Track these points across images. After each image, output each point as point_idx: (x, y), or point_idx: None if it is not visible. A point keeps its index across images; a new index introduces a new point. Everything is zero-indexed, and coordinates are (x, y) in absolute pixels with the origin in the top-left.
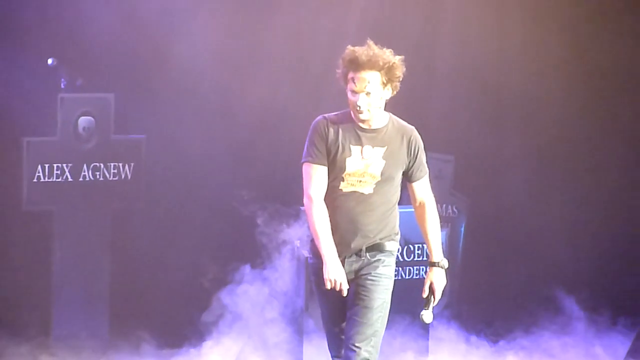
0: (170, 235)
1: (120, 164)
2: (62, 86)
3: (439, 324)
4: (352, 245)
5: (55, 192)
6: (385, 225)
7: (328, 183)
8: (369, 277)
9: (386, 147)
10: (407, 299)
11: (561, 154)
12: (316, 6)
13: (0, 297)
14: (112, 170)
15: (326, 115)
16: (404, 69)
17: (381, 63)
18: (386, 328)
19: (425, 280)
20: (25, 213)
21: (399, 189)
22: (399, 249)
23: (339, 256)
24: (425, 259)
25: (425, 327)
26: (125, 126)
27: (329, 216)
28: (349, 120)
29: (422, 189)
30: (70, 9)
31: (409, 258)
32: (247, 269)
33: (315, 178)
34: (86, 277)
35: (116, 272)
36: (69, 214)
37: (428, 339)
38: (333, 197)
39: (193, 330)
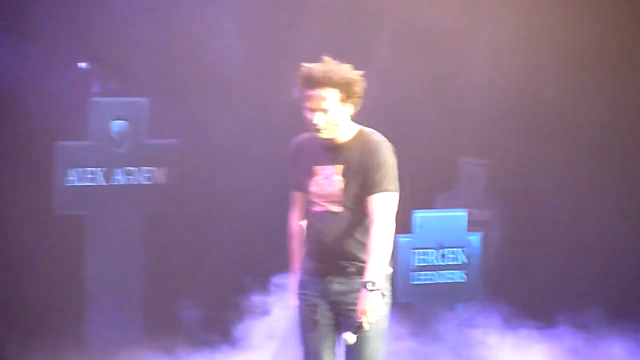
0: (203, 240)
1: (154, 168)
2: (95, 90)
3: (474, 327)
4: (334, 266)
5: (88, 196)
6: (361, 242)
7: (307, 204)
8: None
9: (344, 164)
10: (441, 302)
11: (595, 158)
12: (348, 10)
13: (34, 302)
14: (145, 175)
15: (299, 136)
16: (365, 84)
17: (336, 79)
18: (418, 334)
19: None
20: (58, 217)
21: None
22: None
23: (325, 275)
24: (459, 262)
25: (461, 332)
26: (159, 130)
27: (311, 237)
28: (317, 139)
29: (373, 206)
30: (104, 13)
31: (442, 262)
32: (282, 276)
33: (294, 203)
34: (119, 282)
35: (149, 276)
36: (101, 218)
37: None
38: (310, 218)
39: (227, 337)
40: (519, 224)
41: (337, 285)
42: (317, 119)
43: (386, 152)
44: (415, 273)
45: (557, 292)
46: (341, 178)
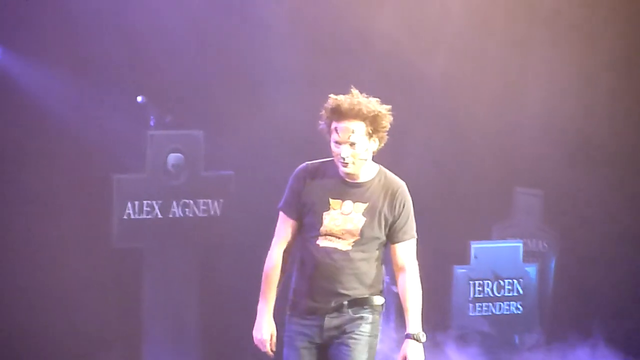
0: (260, 273)
1: (210, 201)
2: (152, 123)
3: (533, 358)
4: (333, 304)
5: (145, 229)
6: (365, 283)
7: (306, 236)
8: (352, 336)
9: (368, 203)
10: (497, 334)
11: None
12: (403, 36)
13: (91, 334)
14: (201, 207)
15: (310, 163)
16: (391, 119)
17: (365, 112)
18: None
19: (400, 352)
20: (115, 250)
21: (383, 246)
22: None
23: (316, 314)
24: (515, 294)
25: None
26: (215, 162)
27: (307, 271)
28: (334, 170)
29: (405, 254)
30: (159, 47)
31: (499, 293)
32: None
33: (279, 227)
34: (176, 315)
35: (206, 309)
36: (158, 250)
37: None
38: (311, 251)
39: None
40: (574, 255)
41: (329, 320)
42: (345, 152)
43: (409, 197)
44: (472, 304)
45: (614, 322)
46: (361, 217)
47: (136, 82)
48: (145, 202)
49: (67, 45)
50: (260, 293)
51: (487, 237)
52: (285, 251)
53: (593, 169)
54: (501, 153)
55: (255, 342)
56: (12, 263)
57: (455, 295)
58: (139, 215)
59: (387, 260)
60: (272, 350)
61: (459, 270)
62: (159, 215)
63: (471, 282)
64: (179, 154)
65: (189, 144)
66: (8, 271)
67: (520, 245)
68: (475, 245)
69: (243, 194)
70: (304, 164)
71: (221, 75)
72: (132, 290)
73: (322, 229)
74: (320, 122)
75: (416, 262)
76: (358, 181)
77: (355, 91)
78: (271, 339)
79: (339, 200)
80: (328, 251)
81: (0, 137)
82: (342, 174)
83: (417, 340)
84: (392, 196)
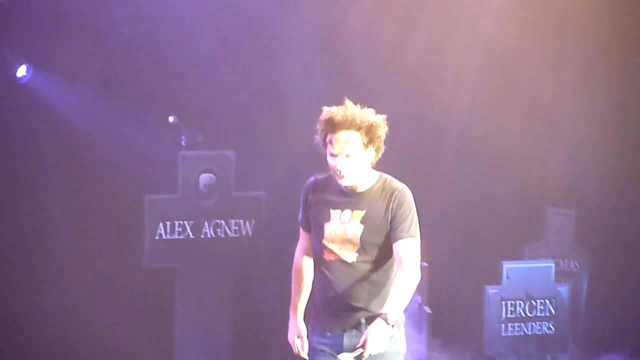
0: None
1: (241, 221)
2: (183, 144)
3: None
4: (349, 319)
5: (177, 249)
6: (379, 293)
7: (315, 251)
8: (377, 357)
9: (365, 210)
10: (529, 354)
11: None
12: (434, 59)
13: (123, 354)
14: (233, 227)
15: (318, 176)
16: (387, 129)
17: (359, 122)
18: None
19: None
20: (148, 270)
21: (391, 254)
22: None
23: (335, 331)
24: (547, 314)
25: None
26: (246, 183)
27: (320, 285)
28: (334, 182)
29: (403, 251)
30: (190, 67)
31: (531, 314)
32: None
33: (300, 240)
34: (208, 334)
35: (238, 329)
36: (190, 270)
37: None
38: (320, 267)
39: None
40: (606, 275)
41: (349, 339)
42: (340, 164)
43: (411, 200)
44: (504, 324)
45: None
46: (359, 224)
47: (167, 103)
48: (177, 222)
49: (98, 66)
50: (292, 297)
51: (519, 257)
52: (305, 258)
53: (625, 188)
54: (533, 173)
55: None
56: (46, 283)
57: (487, 315)
58: (171, 235)
59: (419, 287)
60: (302, 351)
61: (491, 291)
62: (191, 236)
63: (503, 302)
64: (210, 174)
65: (220, 164)
66: (41, 291)
67: (552, 265)
68: (507, 266)
69: (274, 214)
70: (311, 178)
71: (252, 96)
72: (164, 310)
73: (324, 240)
74: (315, 136)
75: (415, 261)
76: (357, 191)
77: (349, 102)
78: (302, 341)
79: (338, 210)
80: (334, 264)
81: (31, 158)
82: (340, 184)
83: (385, 321)
84: (389, 198)
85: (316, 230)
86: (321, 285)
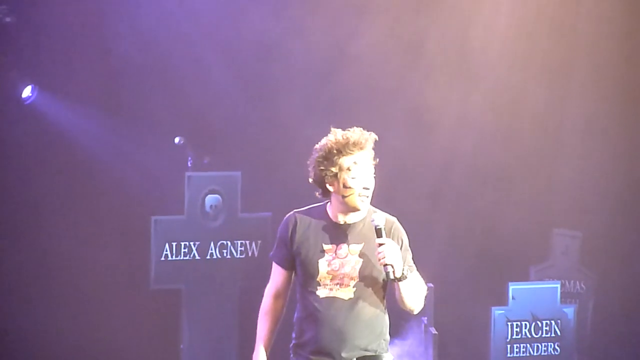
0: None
1: (247, 242)
2: (189, 165)
3: None
4: (343, 354)
5: (183, 270)
6: (373, 331)
7: (305, 288)
8: None
9: (363, 243)
10: None
11: None
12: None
13: None
14: (239, 248)
15: (298, 211)
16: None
17: (371, 140)
18: None
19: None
20: (154, 291)
21: (385, 288)
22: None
23: None
24: (553, 335)
25: None
26: (252, 204)
27: (311, 324)
28: (322, 216)
29: None
30: (196, 89)
31: (536, 334)
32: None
33: (272, 276)
34: (214, 356)
35: (244, 350)
36: (196, 292)
37: None
38: (312, 304)
39: None
40: (612, 296)
41: None
42: (370, 182)
43: (403, 231)
44: (510, 345)
45: None
46: (358, 258)
47: (174, 124)
48: (183, 243)
49: (104, 87)
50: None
51: (525, 278)
52: (276, 298)
53: (631, 210)
54: (539, 195)
55: None
56: (52, 305)
57: (493, 336)
58: (177, 256)
59: (425, 308)
60: None
61: (497, 312)
62: (197, 257)
63: (509, 323)
64: (216, 195)
65: (226, 186)
66: (47, 313)
67: (558, 286)
68: (513, 286)
69: None
70: (291, 213)
71: (258, 117)
72: (170, 331)
73: (319, 278)
74: (311, 168)
75: (425, 288)
76: (349, 223)
77: (337, 129)
78: None
79: (333, 245)
80: (330, 302)
81: (36, 178)
82: (332, 218)
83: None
84: (391, 233)
85: (307, 268)
86: (311, 324)
